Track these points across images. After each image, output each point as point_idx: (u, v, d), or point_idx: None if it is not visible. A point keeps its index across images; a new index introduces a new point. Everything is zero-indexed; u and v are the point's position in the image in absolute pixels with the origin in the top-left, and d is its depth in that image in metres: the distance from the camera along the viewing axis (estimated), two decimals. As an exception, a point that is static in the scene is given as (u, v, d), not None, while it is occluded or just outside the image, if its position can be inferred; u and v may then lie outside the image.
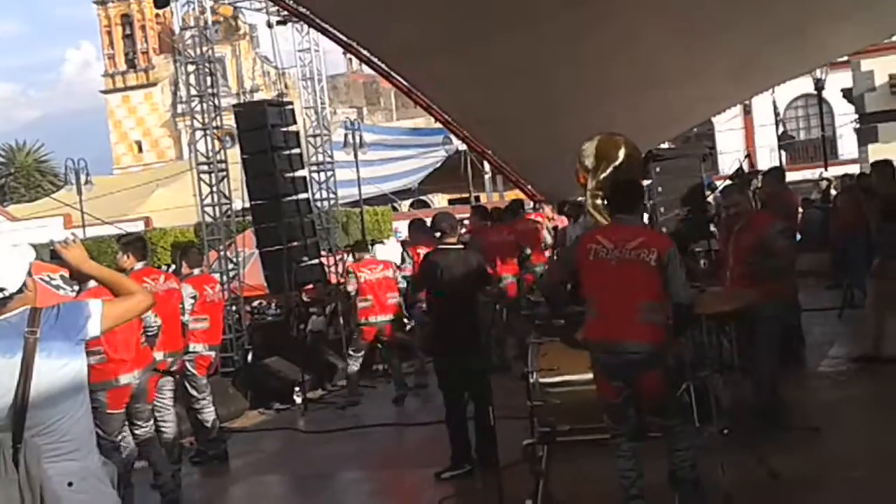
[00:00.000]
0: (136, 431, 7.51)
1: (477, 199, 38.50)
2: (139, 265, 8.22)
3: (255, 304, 19.20)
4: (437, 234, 8.14)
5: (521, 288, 12.38)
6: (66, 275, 6.82)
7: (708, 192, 13.21)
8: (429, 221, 13.24)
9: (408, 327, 13.04)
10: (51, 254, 4.69)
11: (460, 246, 8.21)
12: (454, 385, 7.92)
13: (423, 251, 10.85)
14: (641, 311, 5.67)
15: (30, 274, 4.17)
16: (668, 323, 5.79)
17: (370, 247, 14.51)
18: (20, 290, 4.08)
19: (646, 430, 6.04)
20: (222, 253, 15.71)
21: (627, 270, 5.72)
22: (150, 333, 7.56)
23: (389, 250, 22.60)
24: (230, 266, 15.73)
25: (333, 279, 16.54)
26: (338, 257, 18.09)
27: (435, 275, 7.92)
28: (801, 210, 15.88)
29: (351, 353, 11.83)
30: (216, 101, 15.89)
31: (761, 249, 7.63)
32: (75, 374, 4.03)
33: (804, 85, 31.73)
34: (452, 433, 7.90)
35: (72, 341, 4.02)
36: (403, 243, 13.62)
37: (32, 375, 3.91)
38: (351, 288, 11.74)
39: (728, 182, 11.57)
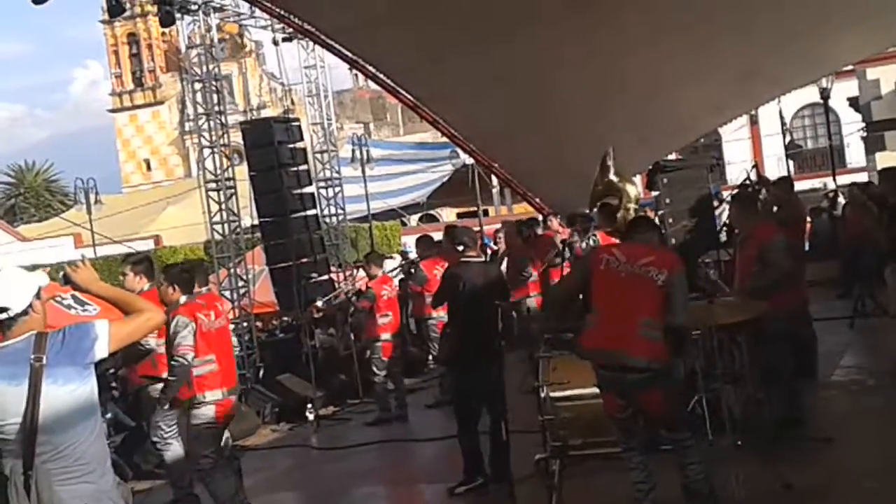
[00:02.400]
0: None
1: (485, 212, 38.52)
2: (147, 286, 8.24)
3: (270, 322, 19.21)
4: (460, 248, 8.16)
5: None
6: (78, 294, 6.82)
7: (716, 203, 13.22)
8: (436, 237, 13.33)
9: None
10: (63, 279, 4.68)
11: (481, 259, 8.25)
12: (472, 398, 7.93)
13: (438, 266, 10.90)
14: (641, 325, 5.75)
15: (38, 297, 4.16)
16: (668, 341, 5.84)
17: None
18: (25, 312, 4.07)
19: (657, 442, 6.05)
20: (232, 270, 15.75)
21: (635, 284, 5.82)
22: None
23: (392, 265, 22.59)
24: (240, 283, 15.77)
25: (343, 295, 16.56)
26: (347, 273, 18.11)
27: (457, 288, 7.95)
28: (809, 220, 15.87)
29: (377, 369, 11.74)
30: (223, 119, 15.98)
31: (762, 260, 7.63)
32: (85, 399, 4.02)
33: (810, 94, 31.70)
34: (465, 446, 7.90)
35: (79, 365, 4.01)
36: (412, 260, 13.63)
37: (40, 402, 3.90)
38: (366, 305, 11.74)
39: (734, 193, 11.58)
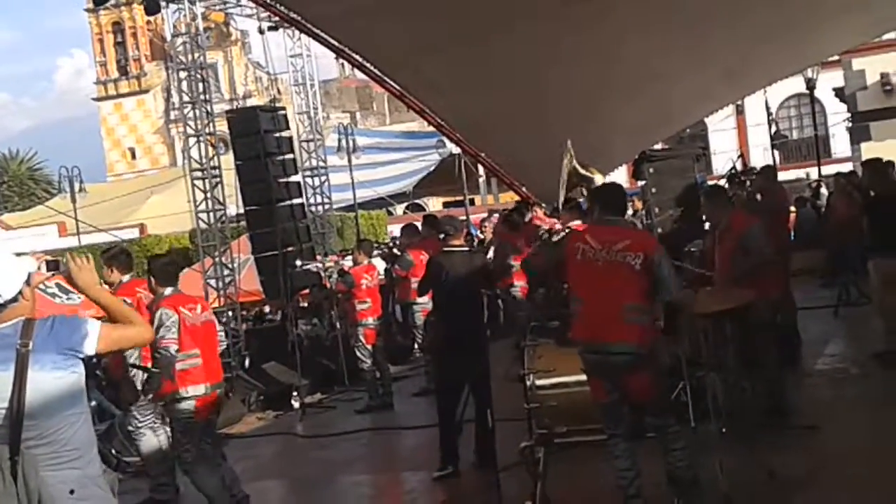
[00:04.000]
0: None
1: (472, 201, 38.52)
2: (126, 277, 8.23)
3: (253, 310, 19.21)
4: (442, 236, 8.17)
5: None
6: (63, 283, 6.80)
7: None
8: (420, 226, 13.37)
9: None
10: (65, 272, 4.63)
11: (465, 247, 8.25)
12: (455, 386, 7.94)
13: (423, 253, 10.92)
14: (626, 311, 5.74)
15: (28, 284, 4.16)
16: (656, 324, 5.85)
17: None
18: (15, 299, 4.08)
19: (642, 429, 6.07)
20: (217, 259, 15.71)
21: (613, 271, 5.80)
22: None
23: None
24: (226, 272, 15.73)
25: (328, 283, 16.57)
26: (332, 261, 18.10)
27: (440, 276, 7.96)
28: (793, 209, 15.93)
29: (362, 356, 11.78)
30: (209, 108, 15.91)
31: (741, 249, 7.65)
32: (70, 386, 4.02)
33: (796, 84, 31.77)
34: (443, 433, 7.93)
35: (66, 355, 4.01)
36: (398, 248, 13.65)
37: (26, 387, 3.90)
38: (341, 288, 11.81)
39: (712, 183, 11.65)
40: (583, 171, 8.74)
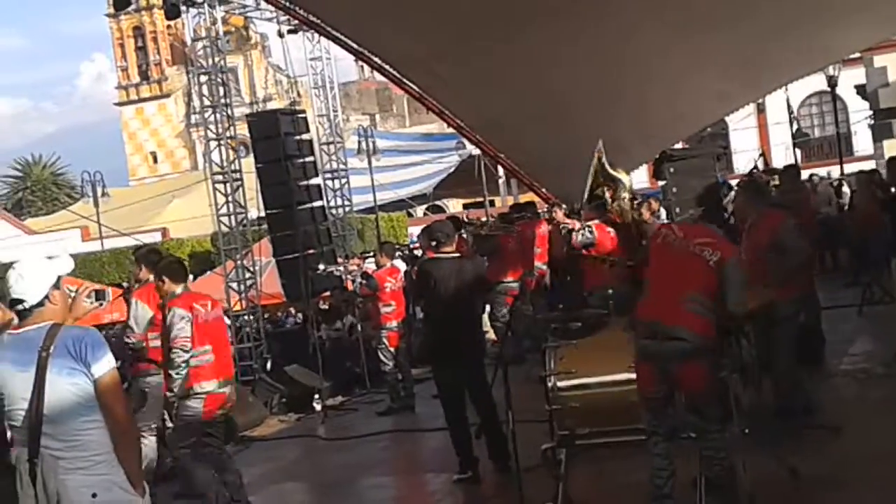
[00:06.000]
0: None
1: (492, 202, 38.46)
2: (153, 276, 8.30)
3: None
4: (433, 243, 8.09)
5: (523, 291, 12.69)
6: (88, 285, 6.84)
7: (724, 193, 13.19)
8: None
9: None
10: (99, 296, 4.69)
11: (456, 254, 8.13)
12: (456, 393, 7.92)
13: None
14: (687, 299, 5.77)
15: (58, 287, 4.19)
16: (719, 327, 5.82)
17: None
18: (41, 303, 4.11)
19: (681, 430, 6.05)
20: (239, 262, 15.76)
21: (686, 260, 5.89)
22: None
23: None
24: (247, 275, 15.78)
25: (350, 286, 16.58)
26: (355, 265, 18.12)
27: (428, 284, 7.90)
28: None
29: (385, 359, 11.79)
30: (229, 111, 15.95)
31: (775, 247, 7.60)
32: (86, 393, 4.05)
33: (817, 82, 31.60)
34: (455, 441, 7.94)
35: (84, 365, 4.06)
36: (414, 251, 13.72)
37: (45, 391, 3.94)
38: (365, 292, 11.82)
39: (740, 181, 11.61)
40: (612, 172, 8.72)
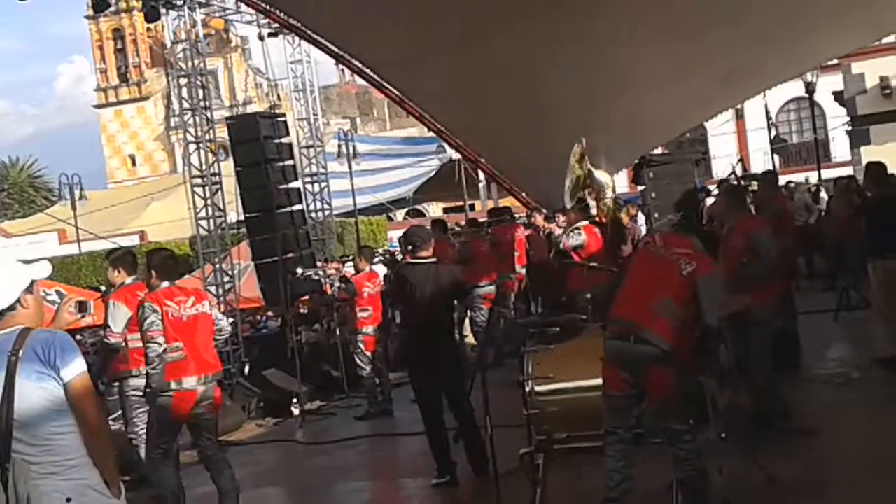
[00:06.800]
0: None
1: (472, 206, 38.49)
2: (129, 280, 8.28)
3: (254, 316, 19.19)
4: (409, 248, 8.08)
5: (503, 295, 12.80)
6: (62, 290, 6.80)
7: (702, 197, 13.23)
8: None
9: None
10: (83, 307, 4.68)
11: (432, 260, 8.11)
12: (429, 399, 7.92)
13: None
14: (659, 304, 5.80)
15: (31, 291, 4.16)
16: (688, 333, 5.82)
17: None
18: (12, 307, 4.08)
19: (651, 433, 6.05)
20: (217, 266, 15.71)
21: (663, 266, 5.95)
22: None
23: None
24: (226, 279, 15.73)
25: (329, 290, 16.55)
26: (333, 268, 18.09)
27: (404, 290, 7.89)
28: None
29: (362, 363, 11.75)
30: (209, 114, 15.92)
31: (750, 253, 7.64)
32: (55, 397, 4.02)
33: (796, 88, 31.77)
34: (432, 445, 7.94)
35: (50, 368, 4.02)
36: (395, 255, 13.72)
37: (14, 396, 3.91)
38: (343, 296, 11.81)
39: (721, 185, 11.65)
40: (597, 176, 8.73)
